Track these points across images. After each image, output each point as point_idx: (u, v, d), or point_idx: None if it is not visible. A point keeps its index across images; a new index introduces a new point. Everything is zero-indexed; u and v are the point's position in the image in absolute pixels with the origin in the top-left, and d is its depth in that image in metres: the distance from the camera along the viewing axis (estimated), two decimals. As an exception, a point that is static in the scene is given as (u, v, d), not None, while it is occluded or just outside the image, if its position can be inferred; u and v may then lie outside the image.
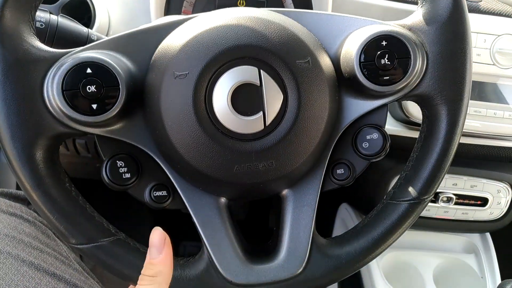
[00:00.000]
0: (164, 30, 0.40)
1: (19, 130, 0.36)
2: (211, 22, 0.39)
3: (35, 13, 0.38)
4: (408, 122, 0.66)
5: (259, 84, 0.37)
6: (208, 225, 0.41)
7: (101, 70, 0.36)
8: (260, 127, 0.38)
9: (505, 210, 0.82)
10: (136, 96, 0.39)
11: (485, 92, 0.65)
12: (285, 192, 0.43)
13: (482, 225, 0.84)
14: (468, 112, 0.64)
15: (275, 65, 0.38)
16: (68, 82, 0.35)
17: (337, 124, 0.42)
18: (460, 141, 0.63)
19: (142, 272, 0.37)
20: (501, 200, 0.81)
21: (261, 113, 0.37)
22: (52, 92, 0.35)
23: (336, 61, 0.41)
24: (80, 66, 0.36)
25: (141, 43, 0.40)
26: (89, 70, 0.36)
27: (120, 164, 0.40)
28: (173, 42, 0.39)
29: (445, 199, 0.80)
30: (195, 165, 0.39)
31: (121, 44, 0.39)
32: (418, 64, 0.39)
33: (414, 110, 0.63)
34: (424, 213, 0.82)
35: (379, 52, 0.39)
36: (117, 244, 0.40)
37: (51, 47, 0.38)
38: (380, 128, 0.43)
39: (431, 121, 0.42)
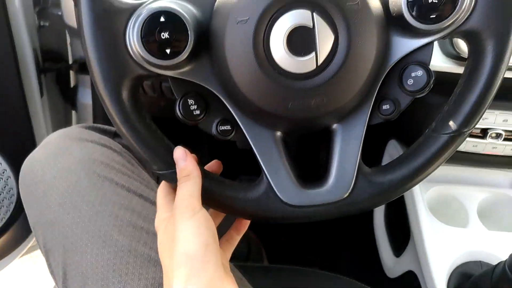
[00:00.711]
0: None
1: (109, 73, 0.41)
2: None
3: None
4: (458, 58, 0.65)
5: (312, 26, 0.40)
6: (266, 155, 0.46)
7: (172, 18, 0.40)
8: (313, 66, 0.41)
9: (555, 146, 0.81)
10: (203, 41, 0.43)
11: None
12: (334, 126, 0.47)
13: (531, 161, 0.84)
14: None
15: (327, 8, 0.40)
16: (145, 30, 0.40)
17: (385, 62, 0.44)
18: (509, 76, 0.62)
19: (177, 177, 0.44)
20: (553, 136, 0.79)
21: (313, 54, 0.41)
22: (133, 39, 0.40)
23: (384, 1, 0.43)
24: (155, 16, 0.40)
25: None
26: (162, 19, 0.40)
27: (191, 102, 0.45)
28: None
29: (494, 135, 0.79)
30: (255, 102, 0.43)
31: None
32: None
33: (465, 46, 0.62)
34: (471, 149, 0.82)
35: None
36: None
37: None
38: (425, 66, 0.45)
39: (477, 56, 0.43)
